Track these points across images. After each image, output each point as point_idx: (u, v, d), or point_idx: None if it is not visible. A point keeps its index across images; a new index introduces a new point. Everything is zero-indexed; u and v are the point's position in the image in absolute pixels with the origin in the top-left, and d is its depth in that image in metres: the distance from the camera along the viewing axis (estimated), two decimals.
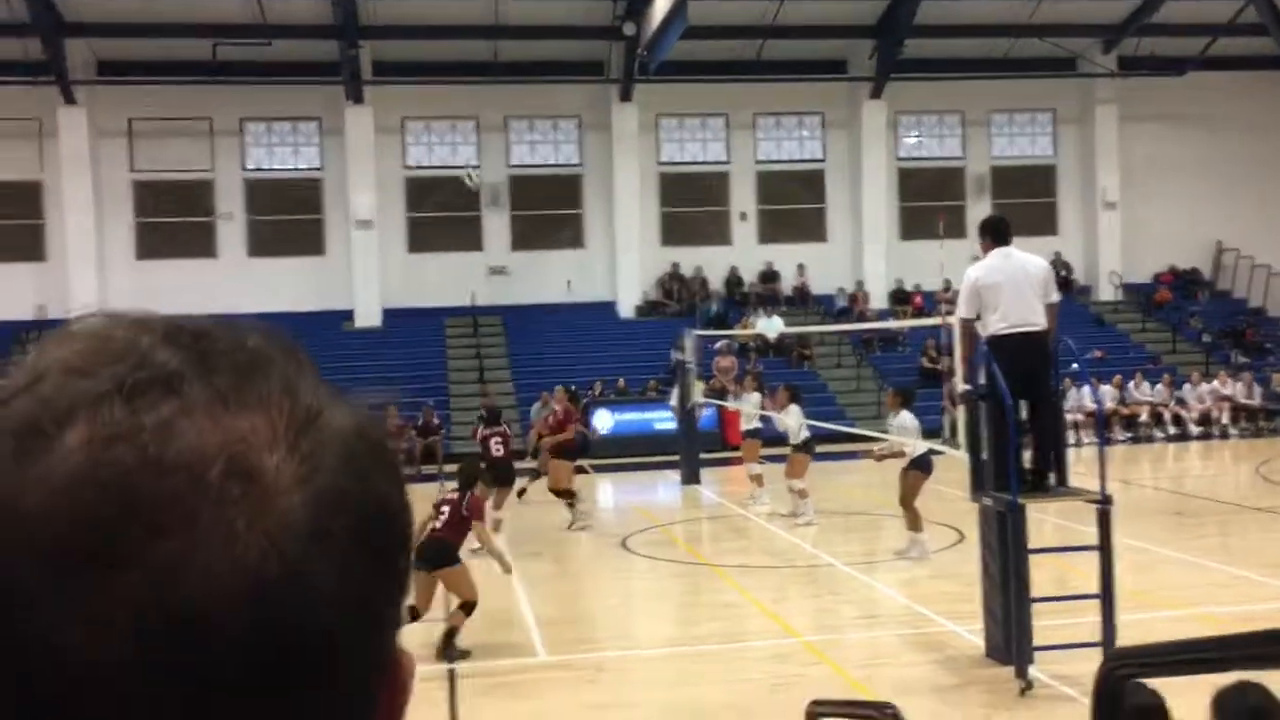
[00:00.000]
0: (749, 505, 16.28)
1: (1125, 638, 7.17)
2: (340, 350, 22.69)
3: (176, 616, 0.47)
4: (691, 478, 19.02)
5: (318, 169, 27.77)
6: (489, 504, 13.56)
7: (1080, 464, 15.67)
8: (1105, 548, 7.71)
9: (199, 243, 26.95)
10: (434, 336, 26.53)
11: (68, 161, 26.06)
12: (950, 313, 9.81)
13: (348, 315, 26.73)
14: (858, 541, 13.66)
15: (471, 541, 13.25)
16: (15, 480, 0.48)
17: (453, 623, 8.82)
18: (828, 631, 9.73)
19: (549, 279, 27.80)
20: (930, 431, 15.68)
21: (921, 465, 12.01)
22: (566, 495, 14.80)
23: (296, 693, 0.49)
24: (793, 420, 14.69)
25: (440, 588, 8.95)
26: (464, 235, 27.93)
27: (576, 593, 12.05)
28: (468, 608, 8.84)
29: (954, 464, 10.47)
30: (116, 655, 0.47)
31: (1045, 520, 11.99)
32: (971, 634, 8.87)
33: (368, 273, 27.11)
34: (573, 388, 17.95)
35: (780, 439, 15.31)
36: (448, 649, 8.79)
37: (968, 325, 8.43)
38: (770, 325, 25.69)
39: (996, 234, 8.45)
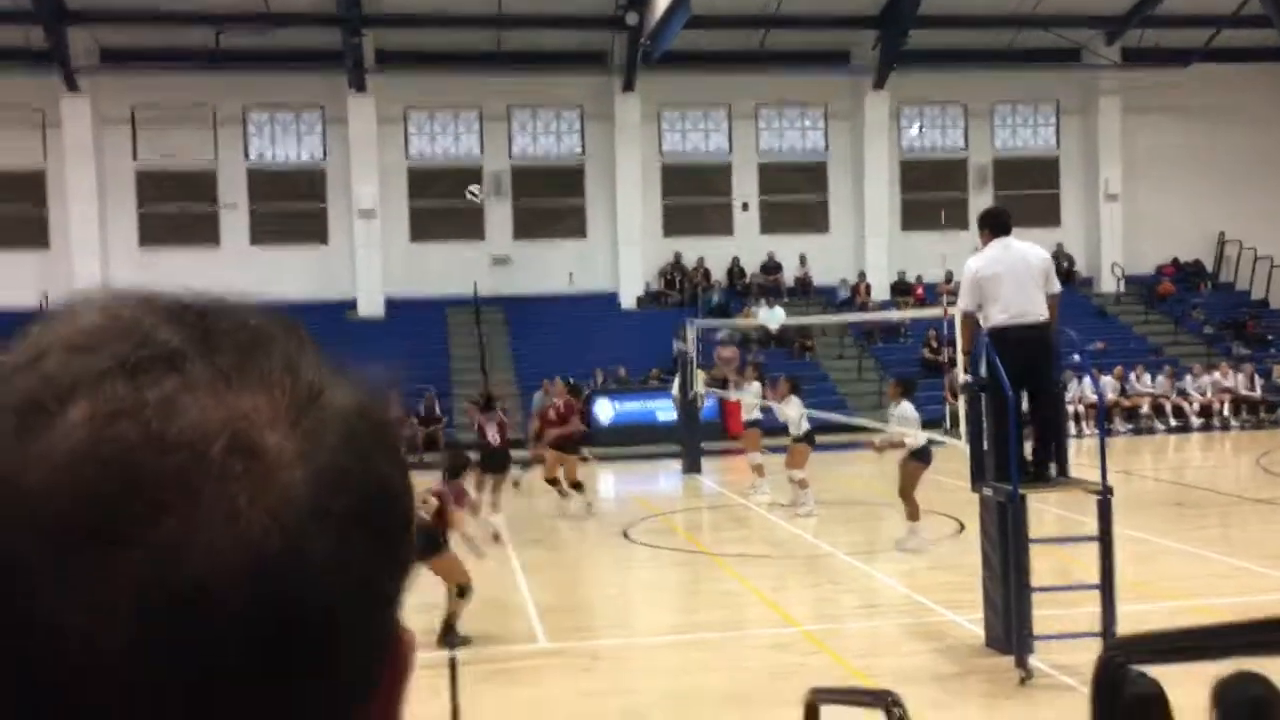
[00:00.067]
0: (750, 495, 16.30)
1: (1125, 628, 7.18)
2: (343, 339, 22.67)
3: (179, 593, 0.47)
4: (692, 467, 19.04)
5: (321, 158, 27.75)
6: (479, 489, 13.68)
7: (1081, 455, 15.69)
8: (1105, 538, 7.72)
9: (202, 232, 26.94)
10: (436, 326, 26.54)
11: (71, 150, 26.05)
12: (952, 304, 9.80)
13: (350, 304, 26.74)
14: (858, 531, 13.68)
15: (470, 527, 13.30)
16: (17, 457, 0.48)
17: (452, 609, 8.85)
18: (827, 621, 9.75)
19: (551, 269, 27.79)
20: (931, 422, 15.68)
21: (921, 456, 12.01)
22: (576, 486, 14.89)
23: (298, 669, 0.50)
24: (793, 411, 14.70)
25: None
26: (466, 225, 27.93)
27: (577, 581, 12.08)
28: (463, 591, 8.85)
29: (955, 454, 10.48)
30: (119, 632, 0.47)
31: (1046, 511, 12.00)
32: (971, 624, 8.89)
33: (370, 262, 27.10)
34: (571, 380, 17.97)
35: (781, 429, 15.32)
36: (448, 636, 8.82)
37: (969, 317, 8.43)
38: (772, 316, 25.67)
39: (996, 225, 8.44)
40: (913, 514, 12.07)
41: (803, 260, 28.56)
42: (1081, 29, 27.71)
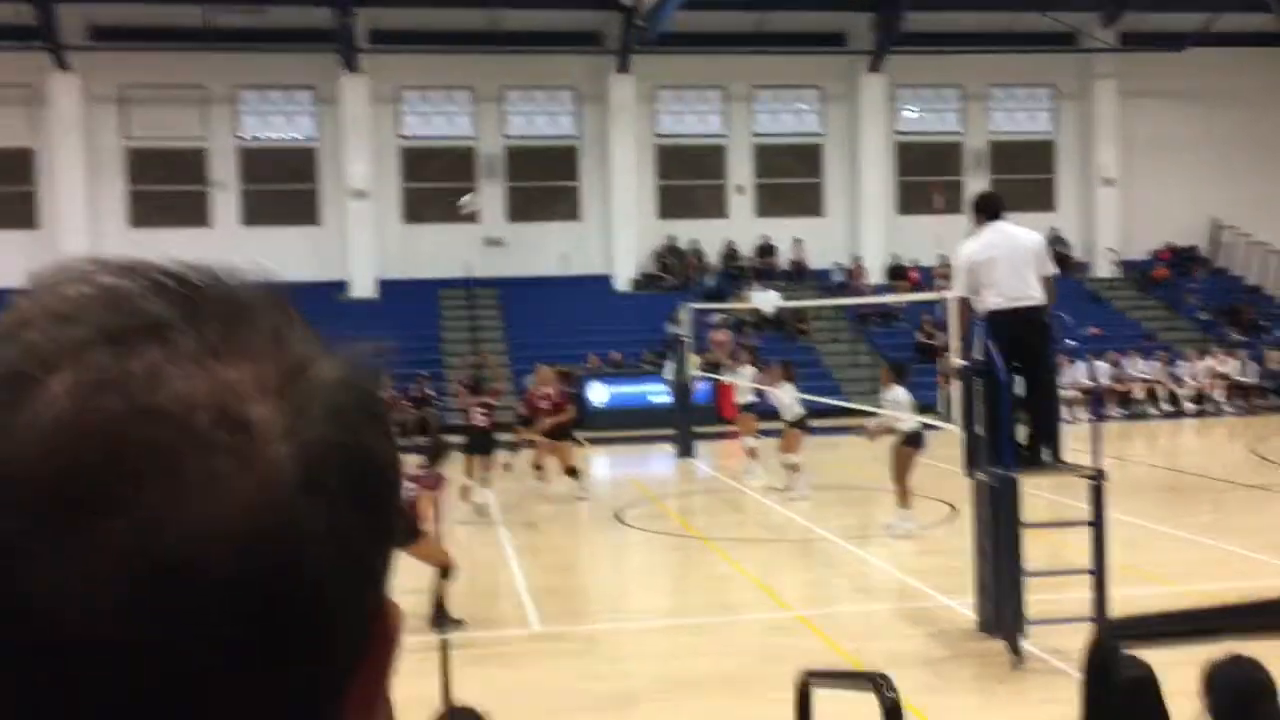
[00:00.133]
0: (743, 479, 16.32)
1: (1117, 612, 7.21)
2: (335, 321, 22.56)
3: (163, 564, 0.46)
4: (686, 451, 19.06)
5: (313, 138, 27.64)
6: (468, 471, 13.80)
7: (1075, 440, 15.71)
8: (1098, 523, 7.74)
9: (192, 211, 26.84)
10: (429, 308, 26.50)
11: (60, 128, 25.91)
12: (946, 288, 9.80)
13: (343, 286, 26.67)
14: (851, 516, 13.71)
15: (460, 512, 13.37)
16: None
17: (439, 592, 8.86)
18: (820, 605, 9.78)
19: (545, 251, 27.75)
20: (926, 407, 15.70)
21: (913, 441, 12.01)
22: (571, 472, 14.97)
23: (286, 641, 0.49)
24: (786, 397, 14.72)
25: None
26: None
27: (570, 565, 12.09)
28: (446, 573, 8.87)
29: (948, 439, 10.49)
30: (103, 603, 0.46)
31: (1039, 496, 12.03)
32: (964, 607, 8.92)
33: (363, 243, 27.04)
34: (561, 368, 18.00)
35: (775, 413, 15.34)
36: (440, 619, 8.83)
37: (963, 303, 8.43)
38: (766, 299, 25.68)
39: (988, 210, 8.43)
40: (904, 500, 12.08)
41: (797, 244, 28.55)
42: (1078, 12, 27.65)
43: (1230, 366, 24.71)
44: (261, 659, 0.48)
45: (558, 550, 12.62)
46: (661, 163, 28.68)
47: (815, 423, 15.40)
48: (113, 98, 26.49)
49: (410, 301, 26.30)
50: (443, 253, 27.08)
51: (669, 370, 19.95)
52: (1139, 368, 24.56)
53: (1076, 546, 8.46)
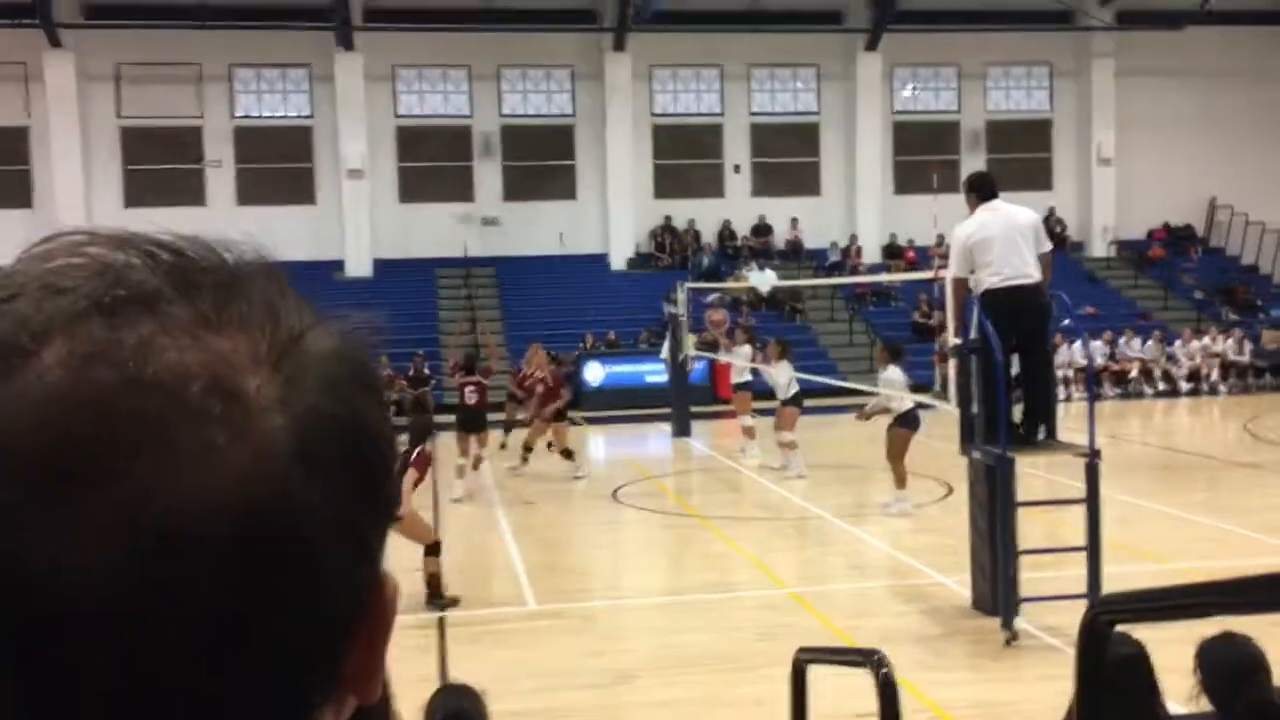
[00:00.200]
0: (739, 458, 16.35)
1: (1111, 590, 7.24)
2: (331, 300, 22.56)
3: (157, 535, 0.46)
4: (682, 430, 19.08)
5: (308, 117, 27.53)
6: (461, 450, 13.91)
7: (1070, 419, 15.75)
8: (1093, 501, 7.76)
9: (188, 190, 26.74)
10: (425, 287, 26.47)
11: (54, 107, 25.79)
12: (943, 267, 9.79)
13: (338, 265, 26.63)
14: (847, 494, 13.74)
15: (455, 491, 13.41)
16: None
17: (430, 570, 8.88)
18: (815, 582, 9.81)
19: (541, 230, 27.69)
20: (922, 386, 15.72)
21: (908, 421, 12.01)
22: (567, 454, 15.04)
23: (280, 612, 0.49)
24: (782, 376, 14.72)
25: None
26: (456, 185, 27.79)
27: (566, 543, 12.12)
28: (432, 550, 8.89)
29: (944, 419, 10.51)
30: (97, 575, 0.46)
31: (1034, 474, 12.06)
32: (958, 585, 8.96)
33: (359, 222, 26.98)
34: (552, 352, 18.11)
35: (772, 392, 15.35)
36: (435, 597, 8.86)
37: (960, 283, 8.42)
38: (763, 279, 25.65)
39: (982, 190, 8.41)
40: (900, 480, 12.09)
41: (794, 223, 28.50)
42: None
43: (1225, 346, 24.74)
44: (256, 630, 0.48)
45: (554, 529, 12.65)
46: (658, 142, 28.59)
47: (812, 402, 15.41)
48: (108, 76, 26.35)
49: (406, 281, 26.27)
50: (439, 232, 27.02)
51: (665, 350, 19.94)
52: (1134, 347, 24.58)
53: (1071, 524, 8.49)
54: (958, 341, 8.61)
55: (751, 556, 10.70)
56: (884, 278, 25.36)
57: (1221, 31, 28.20)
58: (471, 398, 14.23)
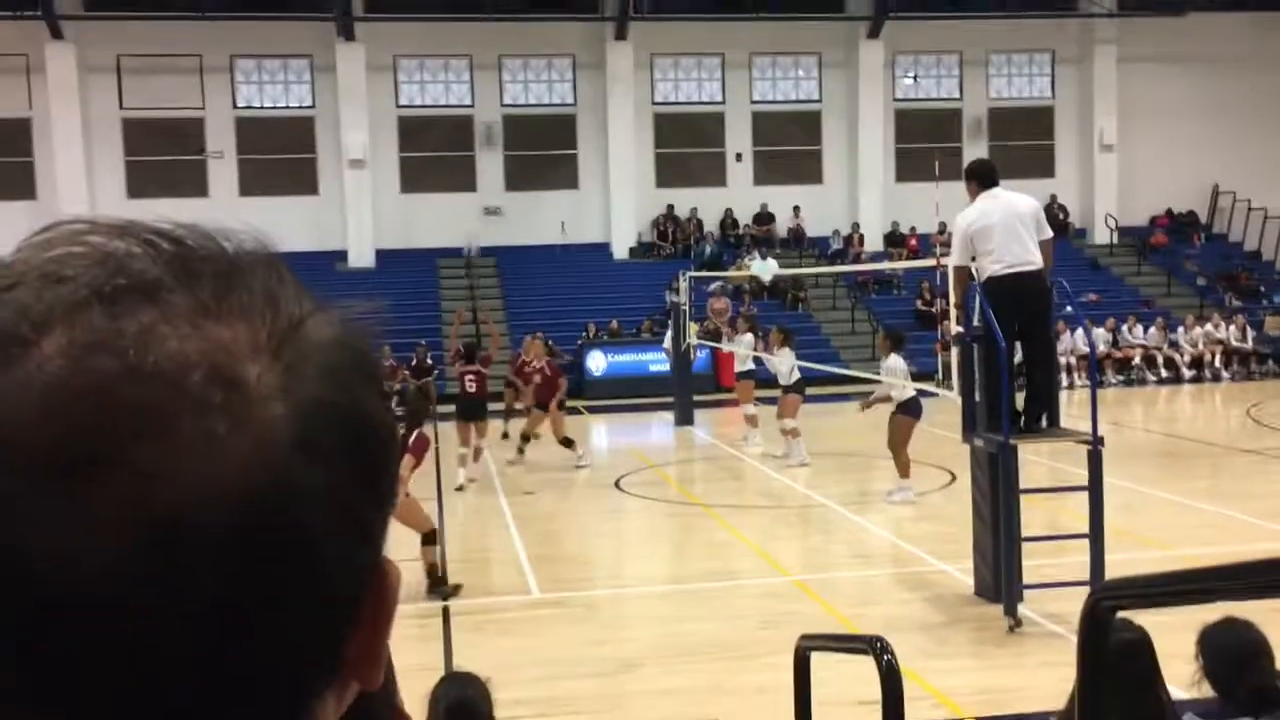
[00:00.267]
0: (742, 446, 16.36)
1: (1113, 577, 7.24)
2: (333, 290, 22.55)
3: (158, 524, 0.46)
4: (685, 419, 19.09)
5: (309, 107, 27.50)
6: (462, 438, 13.97)
7: (1072, 406, 15.75)
8: (1095, 488, 7.77)
9: (190, 181, 26.73)
10: (427, 277, 26.47)
11: (56, 98, 25.77)
12: (945, 255, 9.78)
13: (341, 255, 26.63)
14: (849, 482, 13.75)
15: (457, 479, 13.44)
16: None
17: (429, 560, 8.90)
18: (818, 570, 9.82)
19: (543, 220, 27.67)
20: (925, 374, 15.71)
21: (910, 409, 11.98)
22: (566, 443, 15.06)
23: (282, 600, 0.49)
24: (783, 364, 14.71)
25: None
26: (458, 175, 27.76)
27: (569, 532, 12.14)
28: (429, 539, 8.90)
29: (947, 406, 10.51)
30: (98, 564, 0.46)
31: (1037, 461, 12.06)
32: (961, 573, 8.97)
33: (361, 213, 26.96)
34: (549, 342, 18.17)
35: (774, 380, 15.35)
36: (436, 585, 8.87)
37: (962, 272, 8.41)
38: (765, 267, 25.65)
39: (982, 177, 8.40)
40: (903, 469, 12.07)
41: (796, 211, 28.47)
42: None
43: (1228, 332, 24.71)
44: (258, 618, 0.48)
45: (557, 517, 12.66)
46: (660, 130, 28.54)
47: (814, 390, 15.40)
48: (109, 67, 26.32)
49: (409, 271, 26.27)
50: (441, 222, 27.01)
51: (668, 339, 19.94)
52: (1137, 334, 24.55)
53: (1074, 511, 8.50)
54: (960, 329, 8.61)
55: (754, 545, 10.71)
56: (886, 265, 25.33)
57: (1224, 17, 28.11)
58: (471, 386, 14.34)
